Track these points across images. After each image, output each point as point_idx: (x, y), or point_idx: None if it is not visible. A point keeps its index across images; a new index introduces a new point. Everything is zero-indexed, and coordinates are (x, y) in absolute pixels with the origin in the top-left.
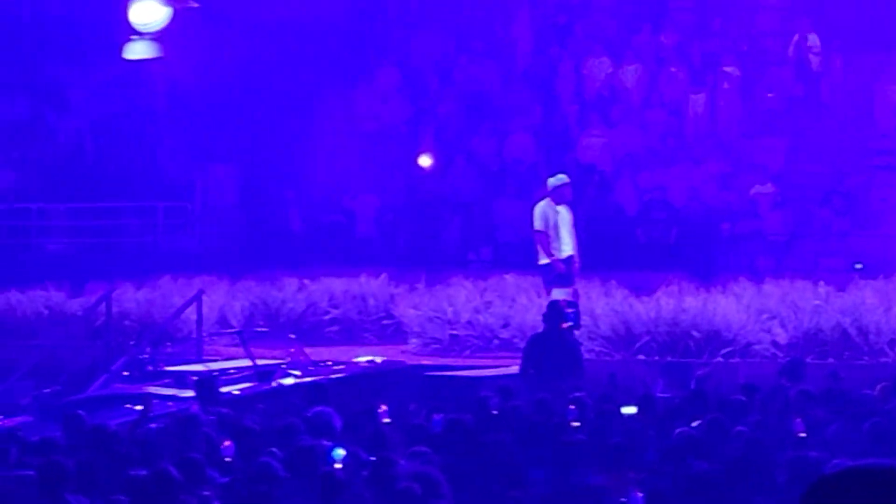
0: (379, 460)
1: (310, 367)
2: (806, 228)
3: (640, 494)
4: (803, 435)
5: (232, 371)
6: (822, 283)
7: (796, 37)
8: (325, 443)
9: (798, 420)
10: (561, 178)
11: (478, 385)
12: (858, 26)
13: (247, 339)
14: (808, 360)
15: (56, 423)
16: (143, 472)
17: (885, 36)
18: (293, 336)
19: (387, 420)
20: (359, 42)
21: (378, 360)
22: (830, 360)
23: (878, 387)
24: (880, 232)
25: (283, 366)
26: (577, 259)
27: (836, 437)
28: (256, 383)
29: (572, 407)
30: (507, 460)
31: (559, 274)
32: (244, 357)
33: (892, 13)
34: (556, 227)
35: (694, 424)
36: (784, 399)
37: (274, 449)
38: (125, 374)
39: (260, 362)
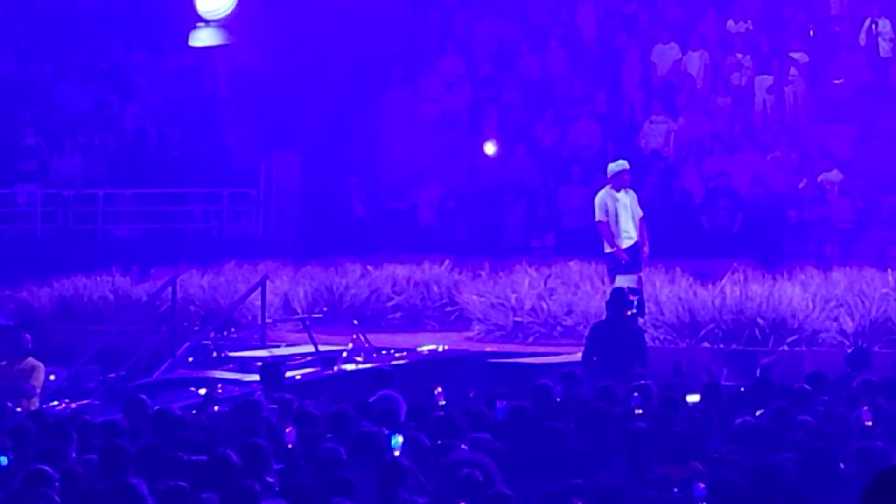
0: (437, 447)
1: (373, 354)
2: (874, 216)
3: (702, 486)
4: (869, 424)
5: (296, 357)
6: (889, 270)
7: (867, 22)
8: (385, 430)
9: (865, 409)
10: (621, 163)
11: (541, 372)
12: None
13: (310, 325)
14: (875, 349)
15: (120, 408)
16: (203, 458)
17: None
18: (356, 322)
19: (442, 402)
20: (423, 30)
21: (441, 348)
22: None
23: None
24: None
25: (346, 352)
26: (644, 244)
27: None
28: (319, 369)
29: (636, 395)
30: (570, 448)
31: (623, 262)
32: (307, 343)
33: None
34: (616, 214)
35: (758, 413)
36: (849, 388)
37: (329, 435)
38: (190, 359)
39: (323, 348)
